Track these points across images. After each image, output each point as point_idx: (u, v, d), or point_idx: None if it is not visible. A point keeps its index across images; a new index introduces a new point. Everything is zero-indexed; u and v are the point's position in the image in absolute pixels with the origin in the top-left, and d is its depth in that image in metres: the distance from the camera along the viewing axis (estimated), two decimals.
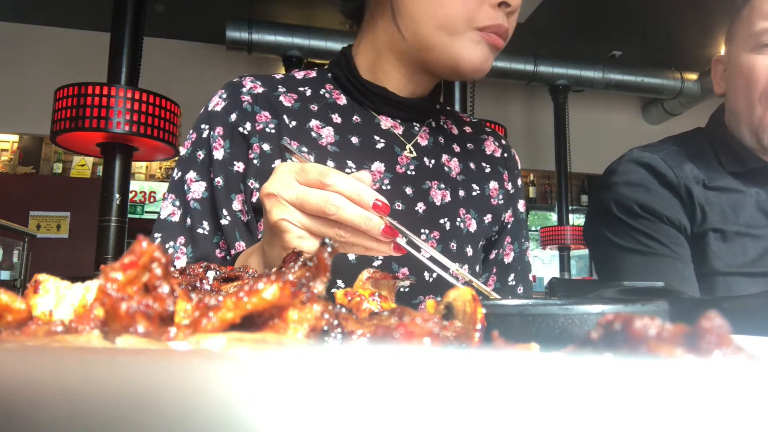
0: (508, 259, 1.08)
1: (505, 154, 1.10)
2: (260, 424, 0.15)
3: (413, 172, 0.95)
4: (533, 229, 7.42)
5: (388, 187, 0.92)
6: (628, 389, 0.15)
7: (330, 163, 0.89)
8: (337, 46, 5.53)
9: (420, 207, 0.93)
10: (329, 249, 0.28)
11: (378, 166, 0.93)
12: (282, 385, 0.15)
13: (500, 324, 0.37)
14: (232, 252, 0.86)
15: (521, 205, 1.11)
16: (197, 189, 0.88)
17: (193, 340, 0.23)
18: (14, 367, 0.17)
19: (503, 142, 1.12)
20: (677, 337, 0.21)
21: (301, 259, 0.28)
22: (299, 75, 1.00)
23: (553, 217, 7.73)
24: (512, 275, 1.09)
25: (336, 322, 0.27)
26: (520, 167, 1.13)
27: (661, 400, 0.15)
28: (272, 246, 0.63)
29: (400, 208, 0.92)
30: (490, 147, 1.09)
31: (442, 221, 0.95)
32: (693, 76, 6.46)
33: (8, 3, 5.05)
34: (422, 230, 0.92)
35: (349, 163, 0.91)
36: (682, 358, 0.20)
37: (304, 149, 0.87)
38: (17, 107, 5.37)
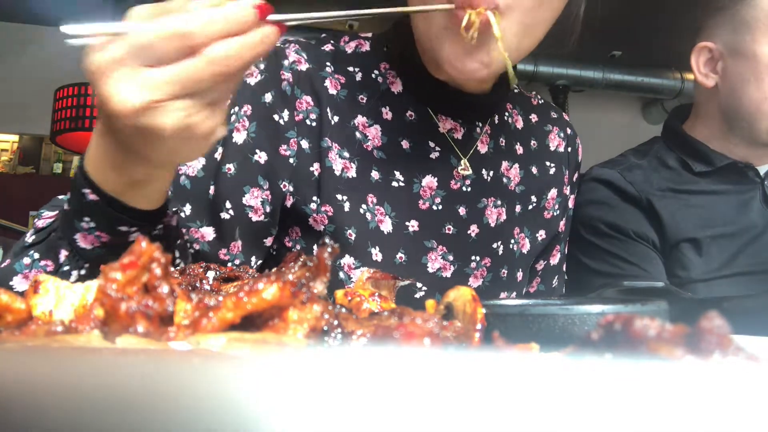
0: (554, 261, 1.01)
1: (569, 148, 0.99)
2: (260, 424, 0.15)
3: (468, 188, 0.84)
4: None
5: (440, 206, 0.81)
6: (629, 390, 0.15)
7: (375, 173, 0.79)
8: None
9: (473, 230, 0.84)
10: (329, 249, 0.28)
11: (430, 180, 0.81)
12: (282, 385, 0.15)
13: (500, 324, 0.37)
14: (222, 251, 0.74)
15: (571, 202, 1.02)
16: (193, 164, 0.73)
17: (193, 340, 0.23)
18: (14, 367, 0.17)
19: (569, 131, 0.99)
20: (677, 337, 0.21)
21: (301, 260, 0.28)
22: (350, 47, 0.84)
23: None
24: (556, 277, 1.02)
25: (336, 322, 0.27)
26: (581, 158, 1.03)
27: (662, 401, 0.15)
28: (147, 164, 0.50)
29: (450, 232, 0.82)
30: (555, 140, 0.96)
31: (495, 245, 0.86)
32: (693, 76, 6.43)
33: (8, 3, 5.05)
34: (473, 257, 0.84)
35: (397, 173, 0.80)
36: (682, 359, 0.20)
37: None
38: (17, 107, 5.36)
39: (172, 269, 0.39)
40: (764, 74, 1.07)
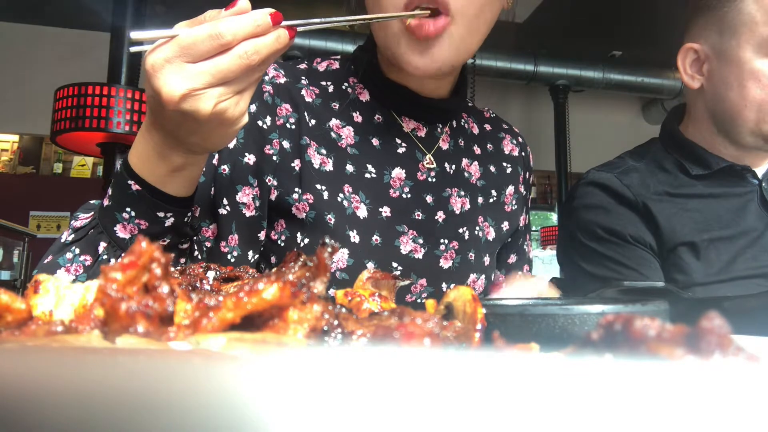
0: (513, 259, 1.10)
1: (523, 153, 1.09)
2: (260, 424, 0.15)
3: (434, 179, 0.93)
4: (534, 229, 7.42)
5: (409, 195, 0.91)
6: (629, 390, 0.15)
7: (350, 166, 0.88)
8: (337, 46, 5.52)
9: (440, 216, 0.92)
10: (329, 249, 0.28)
11: (398, 172, 0.91)
12: (282, 385, 0.15)
13: (500, 324, 0.37)
14: (222, 243, 0.82)
15: (528, 202, 1.11)
16: None
17: (193, 340, 0.23)
18: (14, 367, 0.17)
19: (520, 140, 1.10)
20: (677, 337, 0.21)
21: (302, 260, 0.28)
22: (322, 66, 0.96)
23: (554, 217, 7.74)
24: (525, 266, 1.11)
25: (336, 322, 0.27)
26: (532, 164, 1.12)
27: (662, 401, 0.15)
28: (211, 136, 0.60)
29: (420, 218, 0.91)
30: (508, 146, 1.07)
31: (461, 230, 0.94)
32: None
33: (8, 3, 5.05)
34: (442, 240, 0.92)
35: (369, 167, 0.89)
36: (682, 359, 0.20)
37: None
38: (17, 107, 5.37)
39: (172, 269, 0.39)
40: (746, 80, 1.06)
